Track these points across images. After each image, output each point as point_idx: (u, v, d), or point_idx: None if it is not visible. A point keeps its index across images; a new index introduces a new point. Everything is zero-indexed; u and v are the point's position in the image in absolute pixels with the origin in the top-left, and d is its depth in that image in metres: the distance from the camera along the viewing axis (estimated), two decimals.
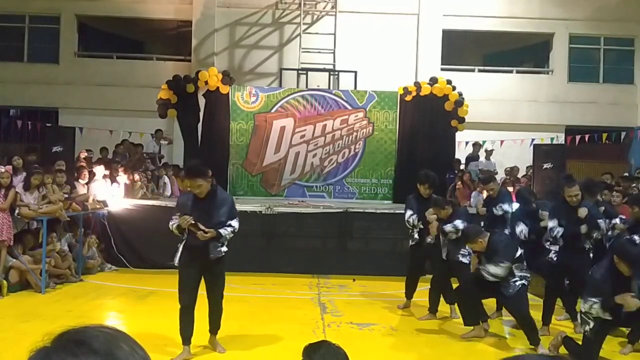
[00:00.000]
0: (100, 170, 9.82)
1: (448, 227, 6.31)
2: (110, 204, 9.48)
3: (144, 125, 13.73)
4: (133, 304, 7.13)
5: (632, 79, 16.33)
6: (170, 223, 5.02)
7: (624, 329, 6.07)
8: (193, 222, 4.80)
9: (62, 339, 0.87)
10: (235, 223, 5.08)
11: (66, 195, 8.50)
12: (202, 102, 12.08)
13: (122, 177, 10.14)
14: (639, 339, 5.50)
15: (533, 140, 13.30)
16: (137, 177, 10.53)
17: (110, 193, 9.64)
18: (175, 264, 5.04)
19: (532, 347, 5.50)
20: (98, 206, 9.30)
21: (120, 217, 9.45)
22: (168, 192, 11.52)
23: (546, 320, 6.23)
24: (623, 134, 13.66)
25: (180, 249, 5.01)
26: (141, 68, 15.87)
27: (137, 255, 9.30)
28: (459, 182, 11.41)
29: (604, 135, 13.31)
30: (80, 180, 9.44)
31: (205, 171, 4.96)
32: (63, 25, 16.01)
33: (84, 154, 11.24)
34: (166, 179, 11.73)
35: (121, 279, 8.48)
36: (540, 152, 11.27)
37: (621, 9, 15.85)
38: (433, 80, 11.84)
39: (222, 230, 4.95)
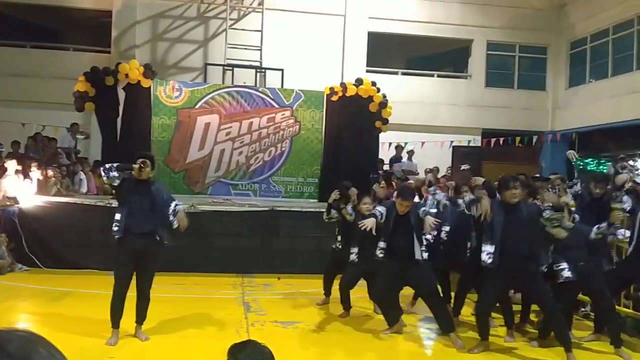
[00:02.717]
0: (12, 165, 9.29)
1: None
2: (22, 200, 8.99)
3: (60, 119, 13.10)
4: (46, 305, 6.78)
5: (544, 86, 17.32)
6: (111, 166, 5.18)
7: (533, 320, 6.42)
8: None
9: None
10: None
11: None
12: (122, 95, 11.66)
13: (35, 173, 9.63)
14: (549, 335, 5.78)
15: (452, 142, 13.82)
16: (50, 172, 10.03)
17: (22, 189, 9.14)
18: (113, 235, 5.21)
19: (446, 334, 5.75)
20: (8, 203, 8.82)
21: (33, 214, 8.97)
22: (84, 189, 11.04)
23: (456, 312, 6.54)
24: (535, 138, 14.43)
25: (122, 220, 5.16)
26: (57, 58, 15.14)
27: (50, 255, 8.86)
28: (382, 182, 11.63)
29: (517, 139, 13.99)
30: None
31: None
32: None
33: None
34: (82, 175, 11.23)
35: (33, 280, 8.05)
36: (459, 153, 11.71)
37: (535, 18, 16.77)
38: (358, 82, 12.02)
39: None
